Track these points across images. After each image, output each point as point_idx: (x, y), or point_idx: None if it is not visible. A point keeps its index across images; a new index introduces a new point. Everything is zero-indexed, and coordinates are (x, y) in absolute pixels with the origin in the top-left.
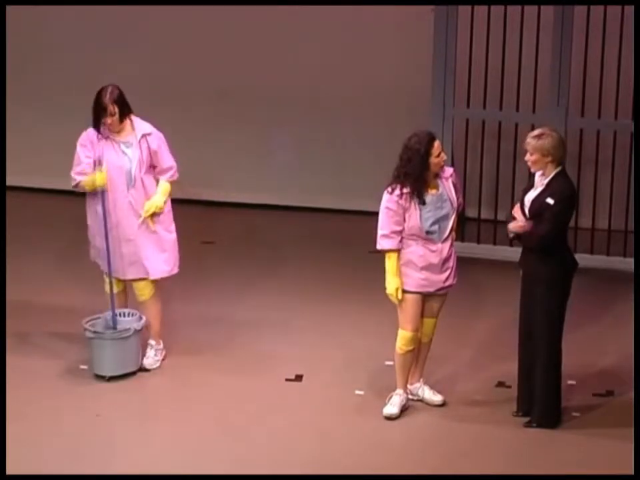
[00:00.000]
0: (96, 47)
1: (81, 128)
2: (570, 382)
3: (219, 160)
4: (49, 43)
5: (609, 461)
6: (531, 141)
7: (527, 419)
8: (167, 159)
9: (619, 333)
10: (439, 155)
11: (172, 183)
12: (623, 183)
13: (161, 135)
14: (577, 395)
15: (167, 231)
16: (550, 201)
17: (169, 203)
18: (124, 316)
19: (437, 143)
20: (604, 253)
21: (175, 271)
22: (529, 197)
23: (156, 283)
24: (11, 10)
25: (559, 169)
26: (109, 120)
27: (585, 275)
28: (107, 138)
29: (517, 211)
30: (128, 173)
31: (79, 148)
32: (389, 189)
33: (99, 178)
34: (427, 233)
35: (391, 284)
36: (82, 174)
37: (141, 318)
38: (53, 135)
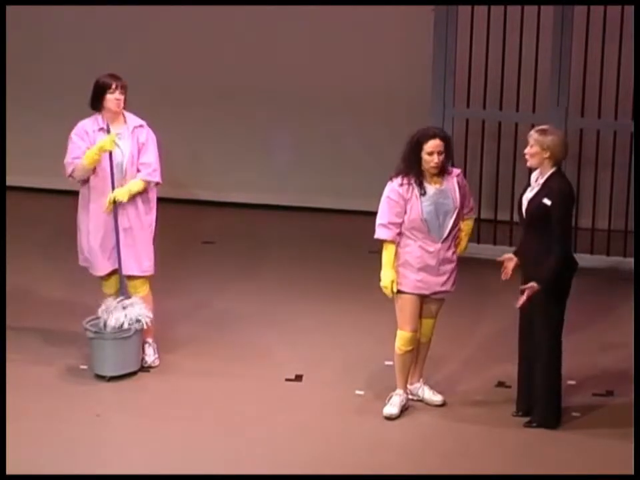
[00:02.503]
0: (96, 46)
1: None
2: (570, 382)
3: (218, 160)
4: (49, 43)
5: (609, 461)
6: (534, 133)
7: (526, 419)
8: (149, 155)
9: (619, 333)
10: (431, 154)
11: (149, 185)
12: (623, 182)
13: (152, 132)
14: (577, 395)
15: (144, 227)
16: (547, 201)
17: (153, 207)
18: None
19: (433, 141)
20: (604, 253)
21: (149, 271)
22: (526, 197)
23: (150, 280)
24: (11, 10)
25: (554, 168)
26: (118, 95)
27: (585, 274)
28: (100, 129)
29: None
30: (119, 165)
31: (74, 137)
32: (391, 179)
33: (108, 141)
34: (425, 222)
35: (386, 276)
36: (79, 158)
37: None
38: (53, 135)
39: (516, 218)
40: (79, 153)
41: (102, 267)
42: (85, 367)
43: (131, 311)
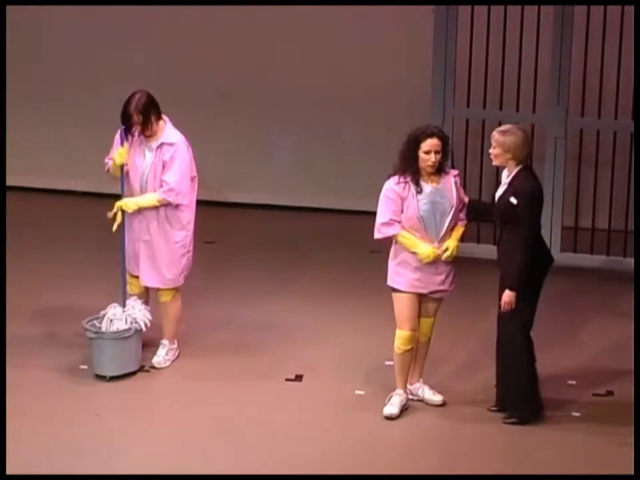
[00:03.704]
0: (97, 47)
1: (80, 128)
2: (570, 382)
3: (218, 160)
4: (49, 43)
5: (609, 461)
6: (495, 134)
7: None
8: (170, 174)
9: (619, 333)
10: (428, 153)
11: (166, 202)
12: (623, 183)
13: (182, 152)
14: (577, 395)
15: (168, 242)
16: (513, 200)
17: (186, 227)
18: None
19: (430, 140)
20: (604, 253)
21: (170, 283)
22: (497, 194)
23: (179, 288)
24: (11, 10)
25: (520, 167)
26: (134, 128)
27: (585, 274)
28: (138, 137)
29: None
30: (142, 176)
31: (116, 136)
32: (389, 177)
33: (117, 155)
34: (422, 220)
35: (422, 249)
36: (111, 159)
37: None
38: (53, 135)
39: None
40: (113, 153)
41: (130, 266)
42: (84, 367)
43: (130, 312)
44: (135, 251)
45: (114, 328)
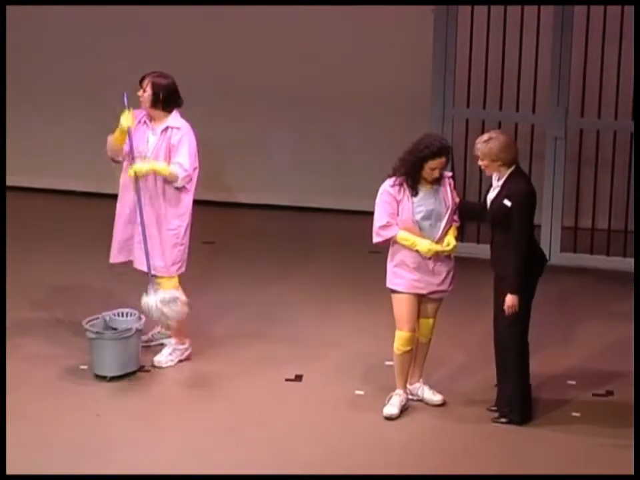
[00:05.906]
0: (96, 47)
1: (80, 128)
2: (570, 382)
3: (218, 160)
4: (49, 43)
5: (609, 461)
6: (479, 146)
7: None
8: (180, 156)
9: (619, 333)
10: (434, 169)
11: (175, 180)
12: (623, 183)
13: (190, 137)
14: (577, 395)
15: (161, 227)
16: (507, 202)
17: (183, 215)
18: (123, 316)
19: (439, 160)
20: (604, 253)
21: (160, 270)
22: (489, 197)
23: (179, 280)
24: (11, 10)
25: (512, 169)
26: (139, 92)
27: (585, 275)
28: (144, 123)
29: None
30: (143, 157)
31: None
32: (386, 180)
33: (124, 118)
34: (417, 223)
35: (422, 245)
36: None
37: (140, 318)
38: (53, 135)
39: None
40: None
41: (112, 255)
42: (84, 367)
43: (166, 306)
44: (120, 234)
45: (154, 302)
